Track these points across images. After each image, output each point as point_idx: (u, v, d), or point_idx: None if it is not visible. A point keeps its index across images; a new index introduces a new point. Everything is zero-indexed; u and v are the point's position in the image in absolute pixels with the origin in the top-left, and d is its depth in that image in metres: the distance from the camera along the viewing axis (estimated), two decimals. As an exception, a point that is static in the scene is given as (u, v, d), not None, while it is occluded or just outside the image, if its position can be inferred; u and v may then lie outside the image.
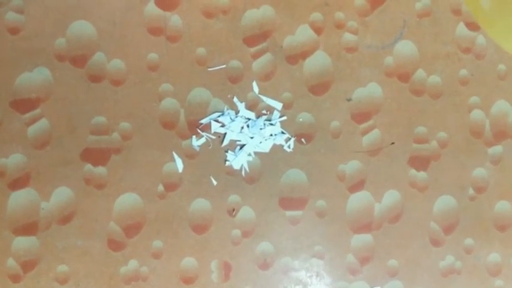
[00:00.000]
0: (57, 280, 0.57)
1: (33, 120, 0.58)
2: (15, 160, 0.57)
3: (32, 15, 0.58)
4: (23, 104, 0.58)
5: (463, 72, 0.64)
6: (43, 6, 0.58)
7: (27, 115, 0.57)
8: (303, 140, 0.61)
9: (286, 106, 0.61)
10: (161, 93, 0.59)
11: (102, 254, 0.58)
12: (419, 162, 0.63)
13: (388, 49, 0.63)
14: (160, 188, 0.59)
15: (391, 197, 0.62)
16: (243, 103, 0.60)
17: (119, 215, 0.58)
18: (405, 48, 0.63)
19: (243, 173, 0.60)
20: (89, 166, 0.58)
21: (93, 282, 0.58)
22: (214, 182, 0.60)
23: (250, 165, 0.60)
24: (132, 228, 0.58)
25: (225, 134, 0.60)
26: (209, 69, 0.60)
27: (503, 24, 0.49)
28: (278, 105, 0.61)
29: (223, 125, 0.60)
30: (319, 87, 0.62)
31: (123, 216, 0.58)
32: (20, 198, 0.57)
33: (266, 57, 0.61)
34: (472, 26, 0.63)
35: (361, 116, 0.62)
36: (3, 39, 0.58)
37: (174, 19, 0.60)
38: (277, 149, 0.61)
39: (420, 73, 0.63)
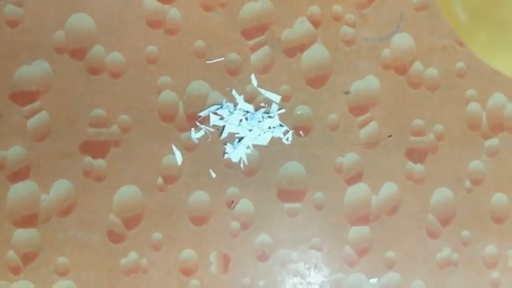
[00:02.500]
0: (57, 272, 0.58)
1: (33, 113, 0.58)
2: (14, 153, 0.57)
3: (30, 8, 0.58)
4: (23, 97, 0.58)
5: (460, 64, 0.64)
6: (42, -1, 0.59)
7: (27, 108, 0.58)
8: (301, 132, 0.61)
9: (285, 99, 0.61)
10: (160, 85, 0.60)
11: (102, 246, 0.58)
12: (417, 154, 0.63)
13: (386, 42, 0.63)
14: (160, 180, 0.59)
15: (388, 189, 0.63)
16: (242, 96, 0.60)
17: (118, 207, 0.59)
18: (402, 40, 0.63)
19: (241, 165, 0.60)
20: (88, 158, 0.58)
21: (93, 274, 0.58)
22: (213, 175, 0.60)
23: (248, 158, 0.60)
24: (131, 220, 0.59)
25: (224, 126, 0.60)
26: (208, 62, 0.60)
27: (485, 37, 0.45)
28: (276, 98, 0.61)
29: (221, 118, 0.60)
30: (317, 80, 0.62)
31: (123, 209, 0.59)
32: (20, 190, 0.57)
33: (264, 50, 0.61)
34: (469, 19, 0.64)
35: (358, 108, 0.62)
36: (2, 32, 0.58)
37: (173, 12, 0.60)
38: (275, 141, 0.61)
39: (417, 66, 0.64)
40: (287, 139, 0.61)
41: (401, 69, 0.63)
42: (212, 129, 0.60)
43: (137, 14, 0.60)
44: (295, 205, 0.61)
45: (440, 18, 0.64)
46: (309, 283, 0.61)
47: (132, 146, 0.59)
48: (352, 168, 0.62)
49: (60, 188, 0.58)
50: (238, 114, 0.60)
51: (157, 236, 0.59)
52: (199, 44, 0.60)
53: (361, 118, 0.62)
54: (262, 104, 0.61)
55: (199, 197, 0.60)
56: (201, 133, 0.60)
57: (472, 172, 0.64)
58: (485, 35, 0.43)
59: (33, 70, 0.58)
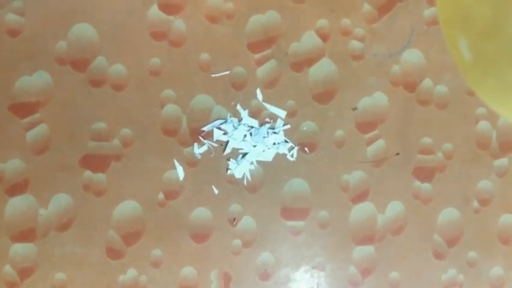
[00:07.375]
0: None
1: (32, 125, 0.56)
2: (13, 165, 0.56)
3: (32, 17, 0.57)
4: (22, 108, 0.56)
5: (471, 82, 0.63)
6: (44, 8, 0.57)
7: (26, 120, 0.56)
8: (306, 149, 0.60)
9: (290, 114, 0.60)
10: (163, 99, 0.58)
11: (101, 262, 0.57)
12: (424, 173, 0.62)
13: (395, 57, 0.62)
14: (161, 196, 0.58)
15: (394, 208, 0.61)
16: (246, 110, 0.59)
17: (118, 222, 0.57)
18: (412, 56, 0.62)
19: (244, 181, 0.59)
20: (88, 173, 0.57)
21: (90, 291, 0.57)
22: (216, 191, 0.59)
23: (252, 174, 0.59)
24: (131, 237, 0.57)
25: (228, 141, 0.58)
26: (212, 75, 0.59)
27: (493, 83, 0.40)
28: (282, 113, 0.60)
29: (225, 133, 0.59)
30: (324, 95, 0.60)
31: (122, 224, 0.57)
32: (18, 204, 0.56)
33: (270, 64, 0.60)
34: (481, 36, 0.62)
35: (366, 125, 0.61)
36: (3, 42, 0.56)
37: (178, 23, 0.59)
38: (280, 158, 0.60)
39: (427, 83, 0.62)
40: (292, 155, 0.59)
41: (411, 86, 0.62)
42: (215, 145, 0.59)
43: (141, 25, 0.58)
44: (299, 223, 0.60)
45: (451, 34, 0.62)
46: (311, 302, 0.60)
47: (133, 160, 0.57)
48: (357, 186, 0.61)
49: (59, 202, 0.57)
50: (242, 130, 0.58)
51: (157, 252, 0.58)
52: (204, 56, 0.59)
53: (369, 135, 0.61)
54: (267, 119, 0.60)
55: (201, 213, 0.58)
56: (204, 148, 0.58)
57: (480, 192, 0.63)
58: (494, 80, 0.40)
59: (33, 81, 0.57)
